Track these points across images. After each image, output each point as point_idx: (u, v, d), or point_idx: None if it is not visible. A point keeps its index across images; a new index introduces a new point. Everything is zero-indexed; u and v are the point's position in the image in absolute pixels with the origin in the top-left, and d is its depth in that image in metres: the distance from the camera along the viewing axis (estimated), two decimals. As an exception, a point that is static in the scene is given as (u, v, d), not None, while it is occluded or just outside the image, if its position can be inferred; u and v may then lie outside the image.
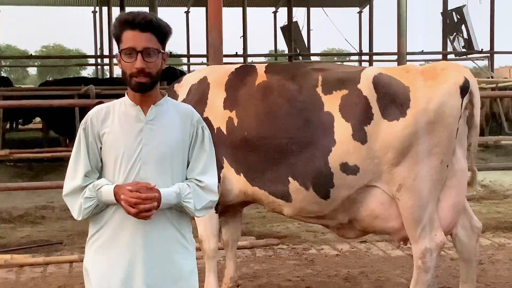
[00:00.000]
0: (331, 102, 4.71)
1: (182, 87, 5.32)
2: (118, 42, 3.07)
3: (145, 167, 3.07)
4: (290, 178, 4.82)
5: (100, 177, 3.13)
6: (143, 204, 2.94)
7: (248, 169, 4.97)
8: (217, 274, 5.41)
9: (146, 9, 17.34)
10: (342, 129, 4.64)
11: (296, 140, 4.76)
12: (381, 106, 4.58)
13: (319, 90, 4.79)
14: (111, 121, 3.12)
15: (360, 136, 4.60)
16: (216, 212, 5.16)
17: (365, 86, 4.64)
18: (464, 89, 4.55)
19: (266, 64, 5.31)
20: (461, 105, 4.55)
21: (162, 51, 3.09)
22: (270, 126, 4.86)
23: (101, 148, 3.12)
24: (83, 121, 3.15)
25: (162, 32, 3.08)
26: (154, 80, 3.08)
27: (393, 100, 4.57)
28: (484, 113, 16.61)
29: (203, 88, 5.19)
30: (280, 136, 4.81)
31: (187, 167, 3.20)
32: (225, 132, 5.00)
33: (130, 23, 3.02)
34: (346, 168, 4.65)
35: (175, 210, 3.13)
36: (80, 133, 3.14)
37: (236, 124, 4.98)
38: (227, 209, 5.36)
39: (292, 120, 4.79)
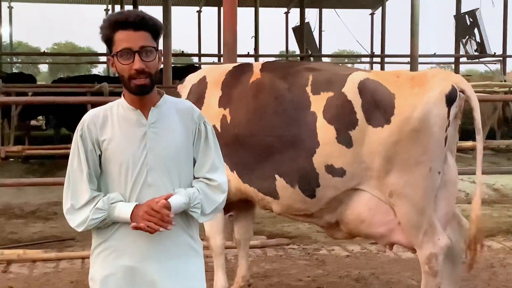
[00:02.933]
0: (317, 103, 4.71)
1: (184, 88, 5.39)
2: (110, 44, 2.92)
3: (152, 172, 2.96)
4: (276, 176, 4.84)
5: (98, 185, 2.99)
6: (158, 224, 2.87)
7: (240, 166, 5.02)
8: (229, 272, 5.43)
9: (159, 8, 17.41)
10: (324, 131, 4.63)
11: (283, 138, 4.78)
12: (366, 111, 4.54)
13: (308, 89, 4.79)
14: (111, 127, 2.97)
15: (345, 139, 4.58)
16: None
17: (350, 91, 4.60)
18: (451, 98, 4.46)
19: (263, 62, 5.32)
20: (448, 114, 4.47)
21: (158, 48, 2.97)
22: (259, 123, 4.90)
23: (99, 155, 2.97)
24: (78, 128, 2.98)
25: (155, 29, 2.95)
26: (154, 80, 2.95)
27: (378, 106, 4.52)
28: (496, 117, 16.56)
29: (202, 88, 5.26)
30: (268, 134, 4.84)
31: (194, 165, 3.10)
32: (219, 130, 5.03)
33: (122, 23, 2.88)
34: (332, 170, 4.64)
35: (184, 213, 3.02)
36: (77, 140, 2.96)
37: (228, 122, 5.03)
38: (232, 207, 5.41)
39: (280, 118, 4.81)
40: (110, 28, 2.90)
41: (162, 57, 3.09)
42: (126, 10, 2.98)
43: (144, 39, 2.89)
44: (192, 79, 5.41)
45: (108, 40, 2.92)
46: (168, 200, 2.90)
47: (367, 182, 4.62)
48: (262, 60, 25.50)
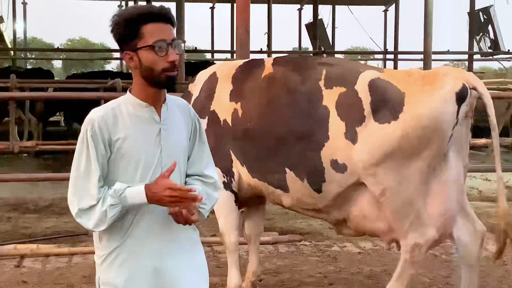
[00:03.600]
0: (330, 97, 4.72)
1: (196, 86, 5.39)
2: (134, 38, 2.85)
3: (168, 168, 2.92)
4: (287, 169, 4.86)
5: (104, 184, 2.90)
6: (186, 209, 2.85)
7: (251, 159, 5.02)
8: (240, 268, 5.44)
9: (173, 5, 17.46)
10: (336, 126, 4.65)
11: (294, 131, 4.79)
12: (374, 109, 4.55)
13: (321, 83, 4.80)
14: (123, 126, 2.89)
15: (351, 135, 4.60)
16: (236, 205, 5.23)
17: (361, 88, 4.62)
18: (461, 96, 4.46)
19: (275, 58, 5.32)
20: (457, 112, 4.46)
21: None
22: (271, 116, 4.91)
23: (109, 156, 2.89)
24: (88, 127, 2.86)
25: (175, 23, 2.97)
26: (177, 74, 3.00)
27: (387, 104, 4.53)
28: (509, 114, 16.47)
29: (212, 83, 5.26)
30: (280, 126, 4.85)
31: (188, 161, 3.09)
32: (230, 124, 5.05)
33: (154, 15, 2.85)
34: (336, 165, 4.66)
35: None
36: (87, 140, 2.85)
37: (240, 116, 5.04)
38: (245, 203, 5.43)
39: (292, 111, 4.82)
40: (136, 21, 2.84)
41: None
42: (151, 4, 2.95)
43: (172, 31, 2.90)
44: (202, 76, 5.42)
45: (131, 34, 2.85)
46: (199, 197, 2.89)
47: (365, 178, 4.62)
48: (274, 56, 25.53)
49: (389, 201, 4.56)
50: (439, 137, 4.46)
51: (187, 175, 3.08)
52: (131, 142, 2.89)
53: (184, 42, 3.00)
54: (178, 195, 2.81)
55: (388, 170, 4.53)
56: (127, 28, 2.85)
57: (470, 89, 4.51)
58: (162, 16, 2.87)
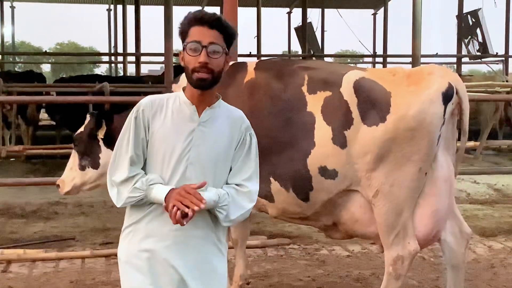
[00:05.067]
0: (314, 103, 4.68)
1: (179, 87, 5.30)
2: (184, 38, 3.06)
3: (191, 167, 3.06)
4: (271, 178, 4.82)
5: (144, 167, 3.12)
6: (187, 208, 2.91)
7: None
8: (228, 272, 5.41)
9: (161, 8, 17.40)
10: (322, 131, 4.61)
11: (278, 140, 4.74)
12: (361, 111, 4.52)
13: (304, 89, 4.75)
14: (164, 116, 3.09)
15: (339, 140, 4.56)
16: None
17: (346, 90, 4.58)
18: (447, 96, 4.45)
19: (257, 61, 5.26)
20: (444, 112, 4.45)
21: (227, 51, 3.07)
22: (255, 124, 4.82)
23: (147, 141, 3.10)
24: (134, 110, 3.13)
25: (229, 32, 3.08)
26: (215, 79, 3.05)
27: (374, 105, 4.50)
28: (498, 117, 16.51)
29: None
30: (263, 135, 4.76)
31: (229, 172, 3.18)
32: None
33: (199, 19, 3.03)
34: (325, 172, 4.61)
35: (214, 216, 3.11)
36: (130, 121, 3.11)
37: None
38: None
39: (275, 119, 4.77)
40: (188, 23, 3.06)
41: (229, 62, 3.18)
42: (206, 11, 3.13)
43: (215, 37, 3.03)
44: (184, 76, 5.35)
45: (184, 33, 3.06)
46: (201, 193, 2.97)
47: (357, 183, 4.59)
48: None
49: (381, 205, 4.53)
50: (427, 139, 4.44)
51: (226, 184, 3.18)
52: (163, 133, 3.08)
53: (224, 48, 3.05)
54: (185, 196, 2.91)
55: (380, 173, 4.50)
56: (182, 29, 3.08)
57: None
58: (209, 22, 3.03)
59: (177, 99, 3.14)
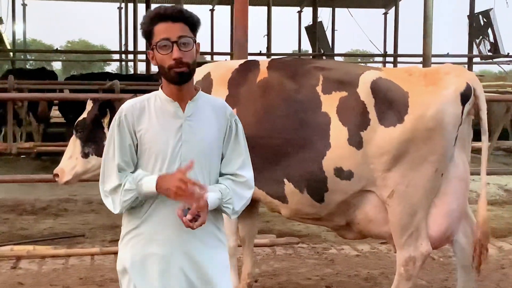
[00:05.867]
0: (329, 103, 4.64)
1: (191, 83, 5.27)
2: (150, 38, 3.04)
3: (185, 164, 3.01)
4: (285, 180, 4.79)
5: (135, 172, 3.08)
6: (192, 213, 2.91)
7: None
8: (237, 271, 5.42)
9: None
10: (338, 132, 4.57)
11: (291, 142, 4.71)
12: (379, 111, 4.49)
13: (318, 89, 4.71)
14: (148, 118, 3.06)
15: (355, 141, 4.53)
16: None
17: (363, 91, 4.55)
18: (465, 96, 4.44)
19: (270, 60, 5.20)
20: (462, 112, 4.43)
21: (195, 40, 3.07)
22: (268, 125, 4.81)
23: (137, 144, 3.07)
24: (116, 117, 3.09)
25: (193, 21, 3.06)
26: (191, 70, 3.05)
27: (391, 105, 4.47)
28: (509, 118, 16.43)
29: (207, 85, 5.12)
30: (277, 137, 4.76)
31: (221, 161, 3.19)
32: None
33: (161, 16, 3.01)
34: (340, 173, 4.58)
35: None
36: (113, 129, 3.08)
37: None
38: None
39: (289, 121, 4.73)
40: (150, 22, 3.03)
41: (199, 50, 3.15)
42: (164, 5, 3.09)
43: (182, 30, 3.01)
44: (197, 74, 5.30)
45: (149, 33, 3.04)
46: (206, 198, 2.95)
47: (372, 183, 4.57)
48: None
49: (395, 205, 4.50)
50: (445, 139, 4.42)
51: (221, 174, 3.19)
52: (152, 134, 3.05)
53: (193, 38, 3.04)
54: (186, 189, 2.88)
55: (396, 173, 4.47)
56: (145, 30, 3.06)
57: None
58: (171, 16, 3.01)
59: (157, 98, 3.11)
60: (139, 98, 3.16)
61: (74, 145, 5.45)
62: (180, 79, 3.02)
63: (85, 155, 5.40)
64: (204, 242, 3.10)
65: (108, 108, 5.40)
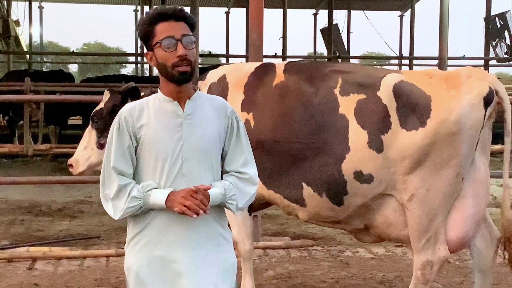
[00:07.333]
0: (347, 105, 4.60)
1: (205, 85, 5.24)
2: (150, 38, 3.05)
3: (187, 163, 3.05)
4: (303, 184, 4.76)
5: (133, 174, 3.10)
6: (196, 205, 2.94)
7: (264, 173, 4.81)
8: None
9: (187, 9, 17.47)
10: (357, 136, 4.54)
11: (310, 145, 4.68)
12: (401, 115, 4.46)
13: (336, 91, 4.68)
14: (147, 118, 3.07)
15: (376, 144, 4.50)
16: (250, 215, 5.18)
17: (385, 95, 4.51)
18: (488, 100, 4.39)
19: (286, 63, 5.15)
20: (484, 116, 4.39)
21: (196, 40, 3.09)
22: (285, 129, 4.78)
23: (136, 147, 3.07)
24: (115, 121, 3.09)
25: (192, 21, 3.09)
26: (193, 70, 3.08)
27: (413, 109, 4.44)
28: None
29: (222, 88, 5.11)
30: (294, 141, 4.74)
31: (224, 159, 3.21)
32: None
33: (163, 15, 3.03)
34: (360, 177, 4.55)
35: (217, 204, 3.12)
36: (113, 132, 3.08)
37: (252, 127, 4.90)
38: (256, 208, 5.39)
39: (307, 125, 4.70)
40: (150, 22, 3.04)
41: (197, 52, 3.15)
42: (162, 6, 3.09)
43: (185, 29, 3.04)
44: (212, 77, 5.27)
45: (147, 34, 3.05)
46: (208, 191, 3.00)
47: (392, 187, 4.54)
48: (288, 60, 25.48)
49: (415, 209, 4.48)
50: (467, 143, 4.39)
51: (225, 172, 3.21)
52: (152, 134, 3.05)
53: (195, 37, 3.07)
54: (191, 201, 2.93)
55: (416, 177, 4.44)
56: (144, 29, 3.06)
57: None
58: (172, 15, 3.03)
59: (156, 99, 3.12)
60: (138, 101, 3.16)
61: (89, 136, 5.42)
62: (182, 78, 3.04)
63: (101, 146, 5.32)
64: (209, 239, 3.11)
65: (130, 96, 5.27)
